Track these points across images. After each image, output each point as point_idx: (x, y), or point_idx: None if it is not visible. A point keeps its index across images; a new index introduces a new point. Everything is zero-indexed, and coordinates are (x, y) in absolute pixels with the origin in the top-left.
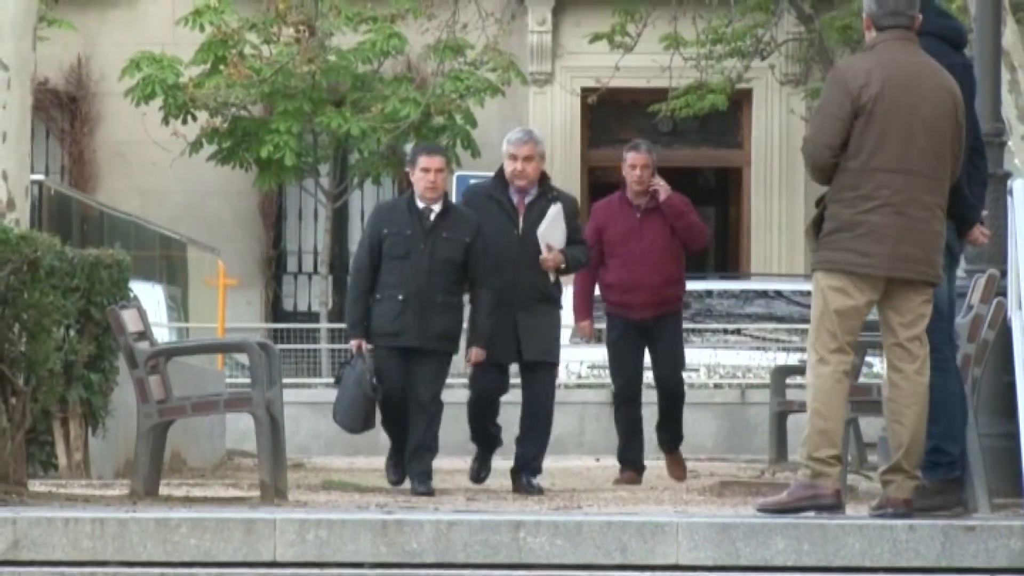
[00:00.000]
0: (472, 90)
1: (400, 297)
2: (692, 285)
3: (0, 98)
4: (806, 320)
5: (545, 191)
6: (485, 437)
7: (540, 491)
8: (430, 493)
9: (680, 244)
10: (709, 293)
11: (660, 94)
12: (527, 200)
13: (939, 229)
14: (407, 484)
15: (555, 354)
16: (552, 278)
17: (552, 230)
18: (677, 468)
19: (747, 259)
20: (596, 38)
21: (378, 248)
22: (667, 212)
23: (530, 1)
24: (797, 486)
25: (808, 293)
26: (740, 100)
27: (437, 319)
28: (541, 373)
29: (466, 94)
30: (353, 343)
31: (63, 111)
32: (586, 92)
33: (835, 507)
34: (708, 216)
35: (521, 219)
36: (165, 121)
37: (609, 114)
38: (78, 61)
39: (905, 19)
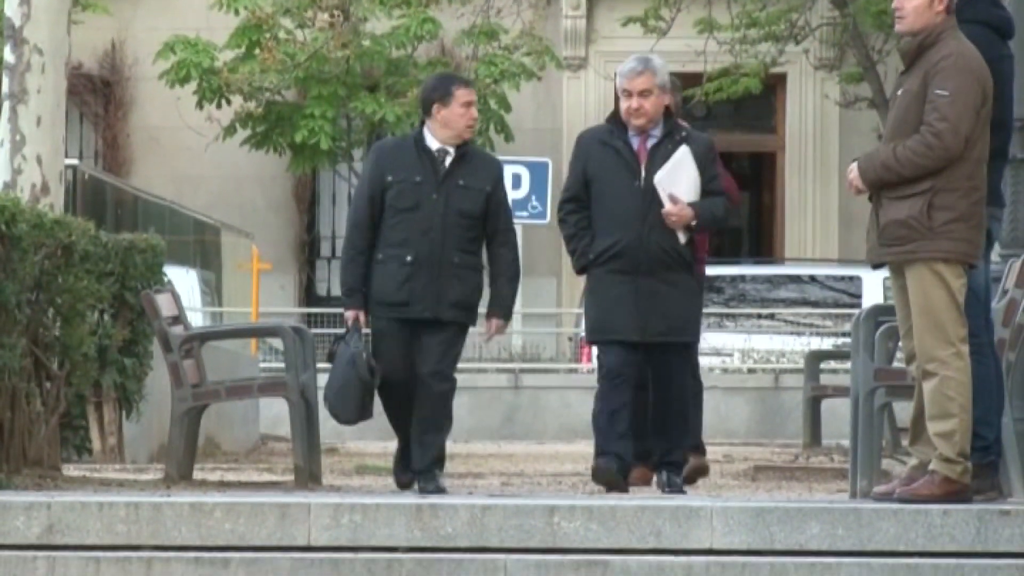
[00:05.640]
0: (507, 74)
1: (408, 259)
2: (726, 270)
3: (34, 82)
4: (839, 305)
5: (671, 130)
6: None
7: (682, 490)
8: (441, 491)
9: None
10: (742, 278)
11: (694, 79)
12: (649, 143)
13: None
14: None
15: (690, 331)
16: (683, 238)
17: (675, 177)
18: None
19: (781, 244)
20: (630, 21)
21: (380, 198)
22: None
23: None
24: (942, 480)
25: (841, 278)
26: (774, 84)
27: (453, 285)
28: (671, 355)
29: (500, 79)
30: (349, 314)
31: (97, 95)
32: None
33: (967, 500)
34: (743, 201)
35: (643, 167)
36: (199, 106)
37: None
38: (112, 46)
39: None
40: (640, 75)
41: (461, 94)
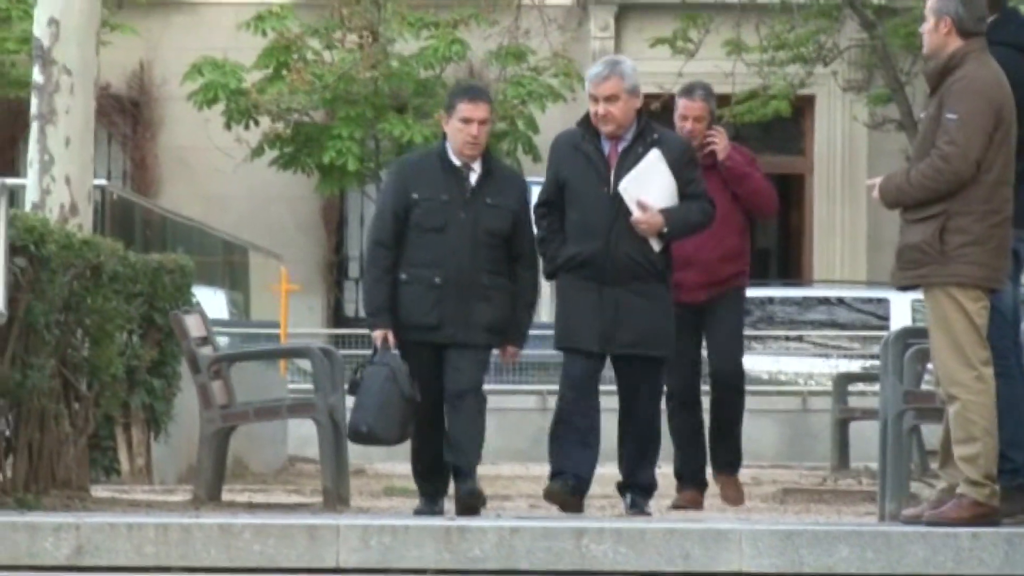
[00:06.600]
0: (534, 95)
1: (437, 280)
2: (754, 292)
3: (63, 103)
4: (868, 327)
5: (643, 133)
6: (569, 451)
7: (647, 513)
8: (476, 493)
9: (744, 211)
10: (771, 300)
11: (722, 100)
12: (620, 147)
13: None
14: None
15: (661, 344)
16: (656, 246)
17: (644, 182)
18: (733, 491)
19: (809, 266)
20: (658, 42)
21: (404, 216)
22: (726, 175)
23: (593, 7)
24: (971, 503)
25: (869, 301)
26: (802, 107)
27: (483, 307)
28: (637, 368)
29: (528, 99)
30: (378, 334)
31: (125, 116)
32: (649, 98)
33: (996, 523)
34: (770, 223)
35: (612, 172)
36: (227, 126)
37: (671, 120)
38: (140, 66)
39: (985, 26)
40: (606, 80)
41: (462, 108)
